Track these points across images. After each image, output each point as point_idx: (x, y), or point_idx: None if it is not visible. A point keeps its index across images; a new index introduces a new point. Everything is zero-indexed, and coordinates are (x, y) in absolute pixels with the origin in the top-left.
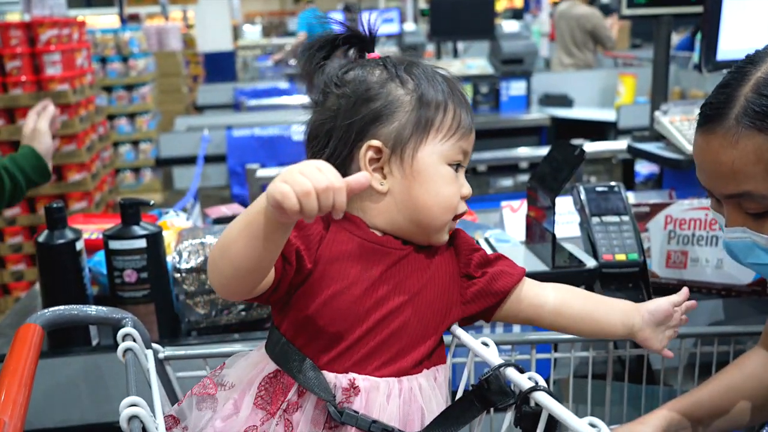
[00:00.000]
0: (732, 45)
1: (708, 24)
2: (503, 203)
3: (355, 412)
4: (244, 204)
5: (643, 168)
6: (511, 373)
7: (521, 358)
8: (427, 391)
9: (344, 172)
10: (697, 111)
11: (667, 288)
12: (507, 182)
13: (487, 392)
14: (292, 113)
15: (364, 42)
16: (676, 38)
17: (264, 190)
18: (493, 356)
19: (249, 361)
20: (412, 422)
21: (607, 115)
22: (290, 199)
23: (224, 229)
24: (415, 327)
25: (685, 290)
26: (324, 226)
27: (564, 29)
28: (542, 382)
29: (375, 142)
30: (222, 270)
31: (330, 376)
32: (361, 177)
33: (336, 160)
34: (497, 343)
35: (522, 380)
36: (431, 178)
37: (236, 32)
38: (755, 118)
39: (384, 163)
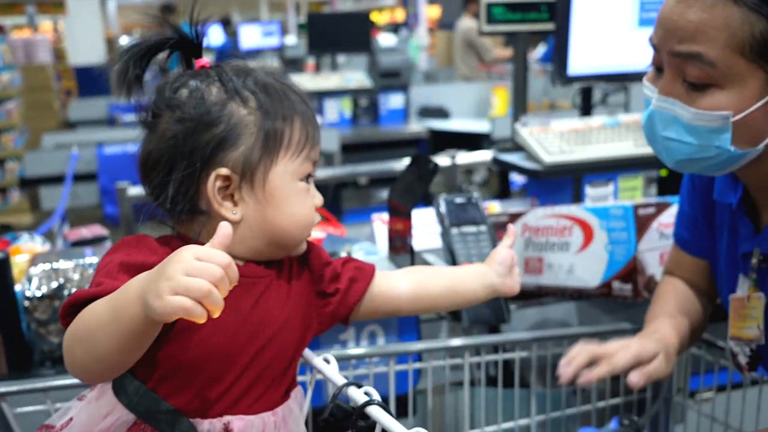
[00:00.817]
0: (582, 62)
1: (559, 41)
2: (374, 216)
3: None
4: (115, 223)
5: (519, 177)
6: (350, 390)
7: (380, 370)
8: (296, 414)
9: (193, 205)
10: (553, 122)
11: (525, 293)
12: (387, 194)
13: (336, 423)
14: None
15: (192, 47)
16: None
17: (137, 208)
18: (333, 373)
19: (99, 411)
20: None
21: (482, 126)
22: (195, 310)
23: (75, 327)
24: (283, 356)
25: (511, 228)
26: None
27: (456, 43)
28: (376, 396)
29: (223, 171)
30: (86, 366)
31: (204, 424)
32: (224, 230)
33: (184, 195)
34: (354, 357)
35: (358, 396)
36: (285, 199)
37: (112, 44)
38: None
39: (234, 190)
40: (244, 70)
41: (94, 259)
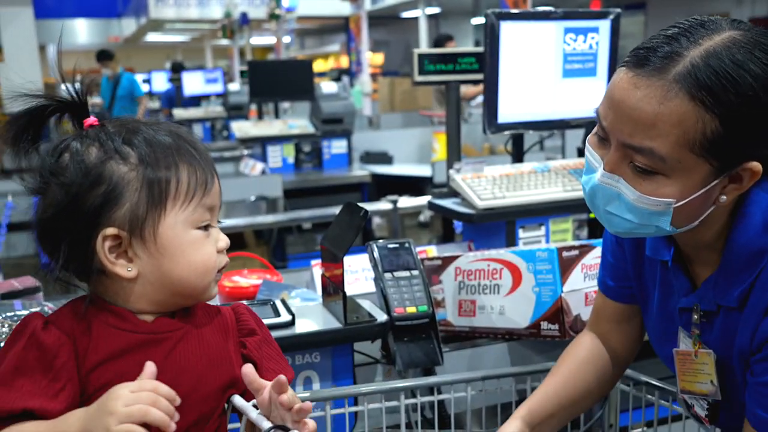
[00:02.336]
0: (511, 110)
1: (488, 91)
2: (313, 262)
3: None
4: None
5: None
6: None
7: (316, 415)
8: None
9: (87, 266)
10: (486, 168)
11: (460, 335)
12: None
13: None
14: None
15: (76, 109)
16: None
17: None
18: (260, 418)
19: None
20: None
21: (424, 171)
22: None
23: None
24: (206, 404)
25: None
26: (82, 330)
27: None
28: None
29: (110, 231)
30: None
31: None
32: (149, 368)
33: (76, 260)
34: None
35: None
36: (179, 250)
37: (53, 90)
38: (694, 86)
39: (126, 247)
40: (126, 126)
41: (24, 312)
